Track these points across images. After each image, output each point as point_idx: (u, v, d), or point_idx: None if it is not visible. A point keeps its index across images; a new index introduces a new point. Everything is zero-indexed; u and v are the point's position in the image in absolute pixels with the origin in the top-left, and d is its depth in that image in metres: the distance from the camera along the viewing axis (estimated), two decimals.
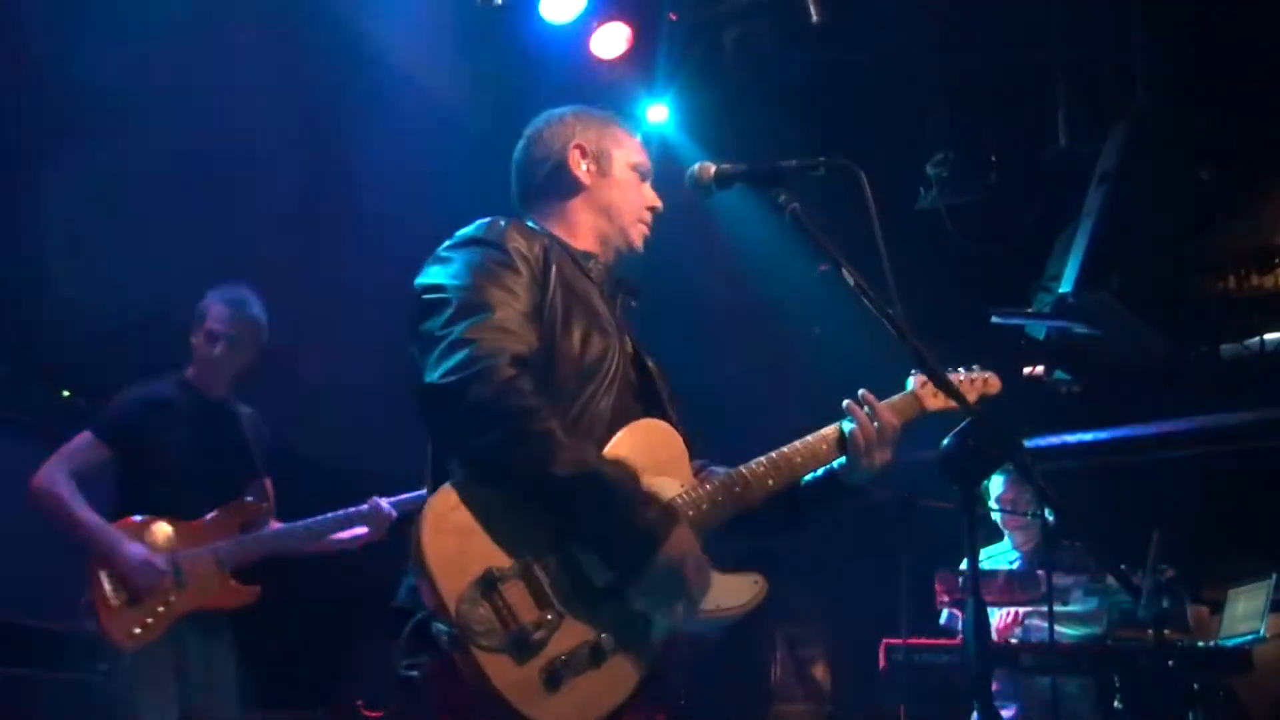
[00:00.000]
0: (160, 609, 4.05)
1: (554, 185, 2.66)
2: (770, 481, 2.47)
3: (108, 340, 5.13)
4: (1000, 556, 5.73)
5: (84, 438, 4.23)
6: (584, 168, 2.65)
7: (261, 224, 5.44)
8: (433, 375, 2.19)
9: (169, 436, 4.25)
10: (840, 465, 2.57)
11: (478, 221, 2.45)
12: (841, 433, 2.54)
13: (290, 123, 5.49)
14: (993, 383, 2.92)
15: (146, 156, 5.15)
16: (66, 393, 4.92)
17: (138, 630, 4.00)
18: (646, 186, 2.71)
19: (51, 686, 4.46)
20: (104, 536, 4.05)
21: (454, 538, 2.11)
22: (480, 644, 2.05)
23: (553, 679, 2.07)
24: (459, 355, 2.17)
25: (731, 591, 2.35)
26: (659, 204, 2.71)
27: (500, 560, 2.12)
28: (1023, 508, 5.56)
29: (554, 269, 2.41)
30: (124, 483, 4.26)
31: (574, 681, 2.09)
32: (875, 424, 2.53)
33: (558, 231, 2.61)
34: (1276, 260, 6.52)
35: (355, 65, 5.62)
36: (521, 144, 2.73)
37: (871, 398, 2.57)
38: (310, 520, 4.34)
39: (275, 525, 4.40)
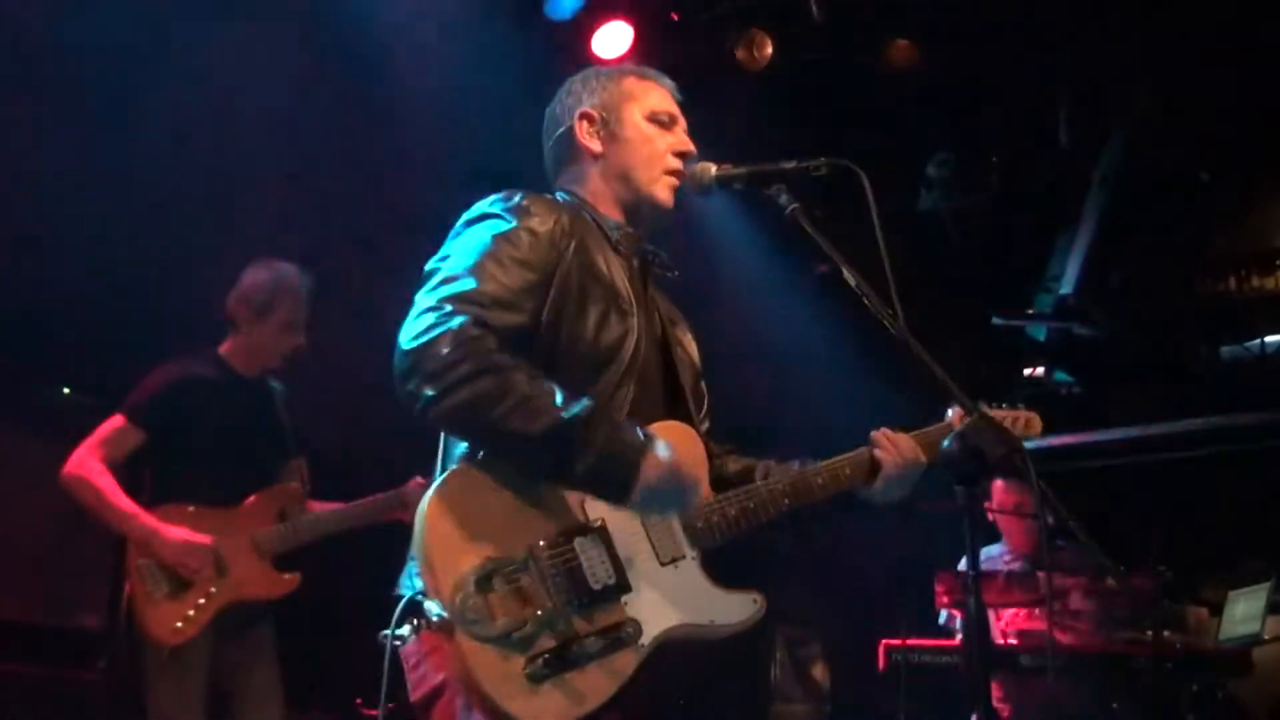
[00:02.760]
0: (202, 600, 3.90)
1: (571, 159, 2.62)
2: (787, 502, 2.46)
3: (109, 337, 5.13)
4: (997, 560, 5.72)
5: (116, 421, 4.05)
6: (592, 136, 2.59)
7: (262, 221, 5.43)
8: (401, 339, 2.19)
9: (205, 418, 4.07)
10: (860, 486, 2.55)
11: (498, 193, 2.44)
12: (871, 460, 2.53)
13: (291, 122, 5.48)
14: (1034, 424, 2.88)
15: (149, 151, 5.14)
16: (67, 390, 4.91)
17: (180, 624, 3.85)
18: (675, 132, 2.61)
19: (51, 685, 4.46)
20: (143, 524, 3.90)
21: (457, 523, 2.12)
22: (471, 632, 2.05)
23: (535, 676, 2.07)
24: (427, 319, 2.18)
25: (729, 609, 2.35)
26: (689, 148, 2.61)
27: (500, 552, 2.12)
28: (1025, 509, 5.55)
29: (571, 247, 2.37)
30: (158, 467, 4.09)
31: (555, 681, 2.09)
32: (901, 458, 2.54)
33: (589, 200, 2.58)
34: (1277, 262, 6.52)
35: (354, 64, 5.62)
36: (544, 125, 2.70)
37: (892, 434, 2.56)
38: (351, 505, 4.21)
39: (313, 507, 4.27)
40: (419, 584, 2.14)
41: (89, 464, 3.98)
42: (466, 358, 2.13)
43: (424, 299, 2.23)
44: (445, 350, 2.13)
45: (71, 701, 4.51)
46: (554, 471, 2.18)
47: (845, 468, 2.53)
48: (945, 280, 6.40)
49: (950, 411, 2.75)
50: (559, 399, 2.16)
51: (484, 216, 2.38)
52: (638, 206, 2.57)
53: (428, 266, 2.34)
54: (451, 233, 2.41)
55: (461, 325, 2.16)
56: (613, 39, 5.71)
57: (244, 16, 5.12)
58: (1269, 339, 6.75)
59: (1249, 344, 6.81)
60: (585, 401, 2.19)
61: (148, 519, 3.93)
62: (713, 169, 2.59)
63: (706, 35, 5.85)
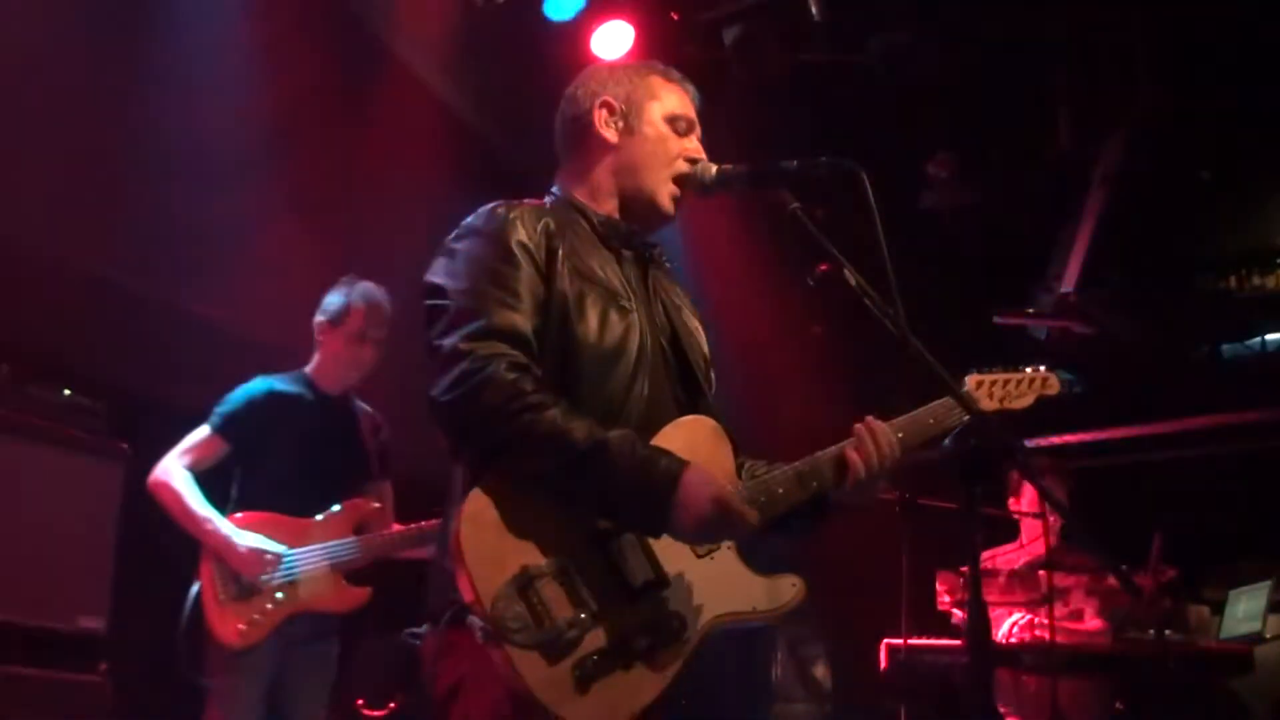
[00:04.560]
0: (269, 606, 4.00)
1: (582, 145, 2.59)
2: (814, 484, 2.39)
3: (109, 339, 5.13)
4: (1014, 557, 5.68)
5: (201, 432, 4.21)
6: (610, 126, 2.57)
7: (262, 223, 5.43)
8: (436, 391, 2.20)
9: (287, 432, 4.20)
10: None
11: (481, 209, 2.42)
12: (842, 458, 2.40)
13: (290, 121, 5.48)
14: (1052, 383, 2.83)
15: (147, 154, 5.14)
16: (67, 391, 4.90)
17: (243, 626, 3.96)
18: (689, 139, 2.59)
19: (51, 688, 4.44)
20: (217, 530, 4.03)
21: (492, 533, 2.12)
22: (514, 640, 2.06)
23: (583, 678, 2.08)
24: (457, 369, 2.18)
25: (771, 593, 2.35)
26: (701, 156, 2.59)
27: (537, 558, 2.13)
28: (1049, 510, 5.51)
29: (560, 254, 2.36)
30: (239, 477, 4.22)
31: (605, 681, 2.10)
32: (878, 453, 2.39)
33: (580, 195, 2.56)
34: (1277, 261, 6.53)
35: (356, 64, 5.62)
36: (560, 106, 2.67)
37: (875, 424, 2.42)
38: (418, 525, 4.23)
39: (395, 528, 4.32)
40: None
41: (173, 471, 4.15)
42: (508, 401, 2.14)
43: (443, 342, 2.23)
44: (488, 399, 2.14)
45: (72, 704, 4.50)
46: (588, 503, 2.17)
47: (829, 462, 2.40)
48: (946, 279, 6.40)
49: (968, 379, 2.74)
50: (590, 430, 2.16)
51: (471, 234, 2.38)
52: (637, 203, 2.55)
53: (427, 295, 2.33)
54: (441, 250, 2.39)
55: (496, 371, 2.16)
56: (613, 39, 5.71)
57: (255, 18, 5.13)
58: (1269, 338, 6.75)
59: (1249, 343, 6.82)
60: (620, 432, 2.19)
61: (224, 525, 4.05)
62: (713, 169, 2.58)
63: (706, 35, 5.85)
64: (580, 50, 5.64)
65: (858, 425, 2.42)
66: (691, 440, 2.35)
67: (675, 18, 5.84)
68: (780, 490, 2.36)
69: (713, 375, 2.62)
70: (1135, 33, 5.63)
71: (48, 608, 4.50)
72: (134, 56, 5.00)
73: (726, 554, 2.33)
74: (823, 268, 2.42)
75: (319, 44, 5.44)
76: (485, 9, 5.52)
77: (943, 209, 6.27)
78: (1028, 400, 2.76)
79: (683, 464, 2.18)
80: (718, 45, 5.82)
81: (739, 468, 2.47)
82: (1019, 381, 2.76)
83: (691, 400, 2.48)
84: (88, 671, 4.50)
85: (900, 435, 2.44)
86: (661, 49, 5.78)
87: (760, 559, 2.38)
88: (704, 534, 2.20)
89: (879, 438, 2.39)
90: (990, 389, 2.74)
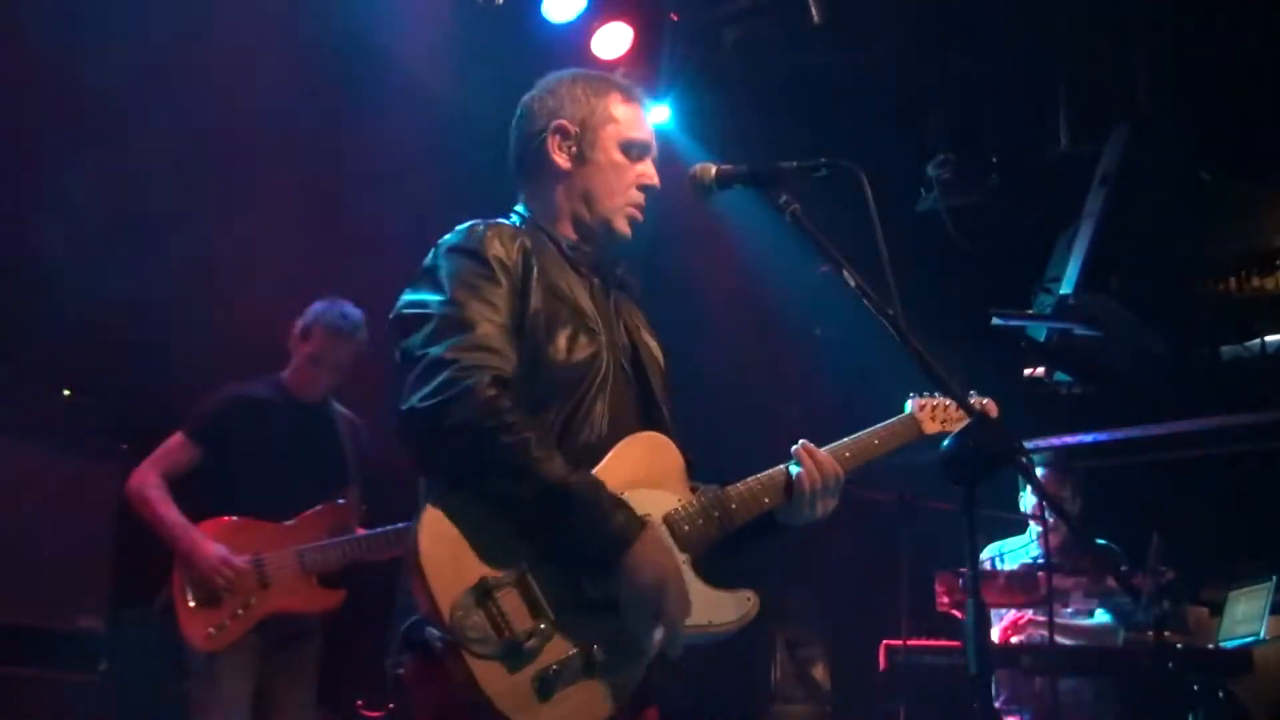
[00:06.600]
0: (240, 611, 4.05)
1: (536, 167, 2.57)
2: (767, 500, 2.47)
3: (109, 339, 5.13)
4: (1022, 551, 5.66)
5: (176, 439, 4.29)
6: (563, 151, 2.54)
7: (261, 223, 5.43)
8: (413, 399, 2.18)
9: (260, 438, 4.26)
10: (780, 507, 2.52)
11: (459, 227, 2.42)
12: (789, 476, 2.50)
13: (290, 123, 5.48)
14: (990, 407, 2.88)
15: (146, 156, 5.14)
16: (67, 392, 4.91)
17: (213, 630, 4.01)
18: (644, 164, 2.58)
19: (51, 687, 4.45)
20: (186, 537, 4.09)
21: (450, 545, 2.12)
22: (473, 651, 2.06)
23: (544, 688, 2.08)
24: (440, 377, 2.16)
25: (724, 608, 2.37)
26: (654, 181, 2.58)
27: (495, 569, 2.12)
28: (1061, 503, 5.50)
29: (535, 273, 2.37)
30: (213, 482, 4.28)
31: (565, 691, 2.10)
32: (819, 470, 2.49)
33: (542, 218, 2.55)
34: (1277, 262, 6.52)
35: (355, 65, 5.62)
36: (517, 112, 2.63)
37: (812, 448, 2.52)
38: (397, 526, 4.27)
39: (360, 532, 4.36)
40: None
41: (147, 478, 4.23)
42: (484, 418, 2.13)
43: (425, 351, 2.21)
44: (466, 411, 2.13)
45: (71, 704, 4.50)
46: (543, 537, 2.17)
47: (780, 478, 2.50)
48: (945, 280, 6.40)
49: (909, 402, 2.80)
50: (560, 467, 2.16)
51: (452, 251, 2.37)
52: (595, 229, 2.55)
53: (406, 307, 2.32)
54: (420, 270, 2.39)
55: (476, 383, 2.15)
56: (612, 40, 5.71)
57: (240, 21, 5.13)
58: (1269, 339, 6.74)
59: (1249, 344, 6.81)
60: (587, 476, 2.20)
61: (193, 533, 4.10)
62: (713, 169, 2.58)
63: (706, 35, 5.85)
64: (581, 51, 5.63)
65: (796, 447, 2.52)
66: (646, 454, 2.38)
67: (675, 18, 5.84)
68: (734, 505, 2.41)
69: (668, 386, 2.62)
70: (1135, 31, 5.62)
71: (47, 608, 4.51)
72: (134, 62, 5.00)
73: (684, 569, 2.32)
74: (821, 268, 2.43)
75: (317, 48, 5.44)
76: (485, 9, 5.52)
77: (942, 209, 6.26)
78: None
79: (640, 526, 2.19)
80: (718, 45, 5.82)
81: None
82: (958, 406, 2.78)
83: (650, 418, 2.49)
84: (87, 671, 4.51)
85: (848, 454, 2.58)
86: (661, 49, 5.78)
87: (717, 574, 2.39)
88: (641, 597, 2.18)
89: (817, 456, 2.50)
90: (932, 412, 2.81)
